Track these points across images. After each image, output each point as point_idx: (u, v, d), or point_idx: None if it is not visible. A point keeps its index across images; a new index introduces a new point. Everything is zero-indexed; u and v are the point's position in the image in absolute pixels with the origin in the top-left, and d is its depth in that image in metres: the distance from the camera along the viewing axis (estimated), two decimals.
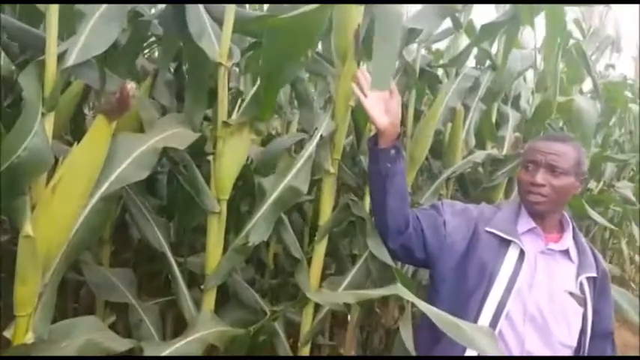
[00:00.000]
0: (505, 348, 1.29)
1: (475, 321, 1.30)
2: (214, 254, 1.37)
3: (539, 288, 1.32)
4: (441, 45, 2.74)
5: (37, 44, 1.18)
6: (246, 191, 1.60)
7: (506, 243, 1.35)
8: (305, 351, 1.64)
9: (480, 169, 2.46)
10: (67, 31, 1.13)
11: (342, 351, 1.92)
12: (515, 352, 1.30)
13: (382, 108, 1.36)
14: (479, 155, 2.22)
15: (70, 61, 1.00)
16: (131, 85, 0.88)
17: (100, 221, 1.04)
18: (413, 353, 1.37)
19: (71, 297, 2.27)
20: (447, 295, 1.38)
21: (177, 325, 1.72)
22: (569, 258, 1.36)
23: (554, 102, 2.69)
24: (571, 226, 1.41)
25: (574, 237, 1.40)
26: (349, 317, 1.97)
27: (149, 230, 1.41)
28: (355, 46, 1.40)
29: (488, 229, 1.38)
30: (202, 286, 1.37)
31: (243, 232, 1.38)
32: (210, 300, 1.38)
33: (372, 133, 1.44)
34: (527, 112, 2.88)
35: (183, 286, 1.40)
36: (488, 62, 2.46)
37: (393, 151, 1.39)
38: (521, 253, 1.34)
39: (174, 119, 1.36)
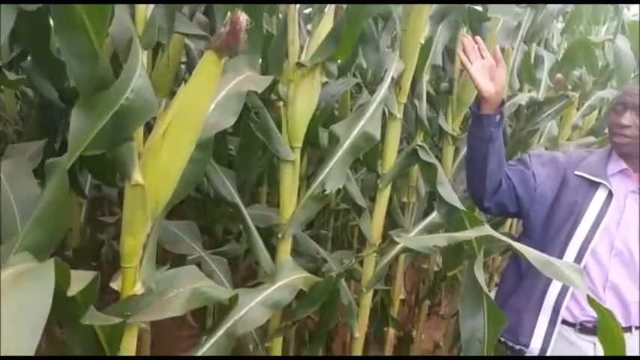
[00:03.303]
0: (589, 281, 1.35)
1: (561, 256, 1.34)
2: (289, 203, 1.35)
3: (628, 225, 1.36)
4: None
5: None
6: (307, 140, 1.54)
7: (595, 185, 1.38)
8: (368, 297, 1.66)
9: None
10: None
11: (392, 295, 1.95)
12: (599, 284, 1.37)
13: (488, 75, 1.34)
14: (522, 97, 2.19)
15: None
16: (244, 17, 0.81)
17: (197, 171, 0.99)
18: (485, 289, 1.40)
19: (91, 255, 2.25)
20: (538, 238, 1.42)
21: None
22: None
23: (588, 42, 2.64)
24: None
25: None
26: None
27: (219, 181, 1.37)
28: None
29: (577, 172, 1.41)
30: (279, 235, 1.35)
31: (317, 180, 1.35)
32: (286, 248, 1.37)
33: (474, 99, 1.43)
34: (558, 54, 2.82)
35: (258, 236, 1.38)
36: None
37: (497, 117, 1.37)
38: (610, 194, 1.36)
39: (242, 61, 1.29)
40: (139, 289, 0.93)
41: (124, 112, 0.81)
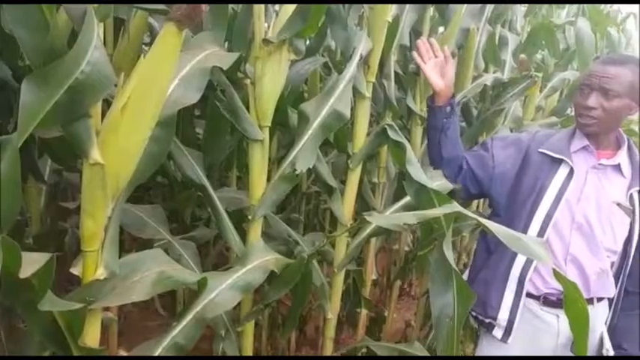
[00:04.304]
0: (551, 253, 1.38)
1: (525, 230, 1.39)
2: (259, 184, 1.32)
3: (588, 200, 1.41)
4: None
5: None
6: (276, 121, 1.51)
7: (558, 162, 1.43)
8: (340, 278, 1.66)
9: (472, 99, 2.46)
10: None
11: (364, 276, 1.96)
12: (560, 256, 1.42)
13: (439, 72, 1.54)
14: (488, 78, 2.21)
15: None
16: None
17: (159, 150, 0.95)
18: (453, 265, 1.42)
19: (53, 244, 2.17)
20: (505, 215, 1.48)
21: None
22: (621, 173, 1.43)
23: (550, 24, 2.70)
24: (626, 144, 1.46)
25: (629, 154, 1.46)
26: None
27: (185, 163, 1.32)
28: None
29: (540, 150, 1.46)
30: (249, 217, 1.32)
31: (287, 160, 1.32)
32: (256, 230, 1.35)
33: (430, 93, 1.62)
34: (521, 36, 2.87)
35: (227, 218, 1.35)
36: None
37: (448, 108, 1.55)
38: (571, 170, 1.41)
39: (206, 38, 1.24)
40: (101, 273, 0.89)
41: (80, 86, 0.76)
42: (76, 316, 0.84)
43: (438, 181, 1.51)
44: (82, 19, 0.82)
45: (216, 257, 2.50)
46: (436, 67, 1.55)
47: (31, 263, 0.58)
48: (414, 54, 1.58)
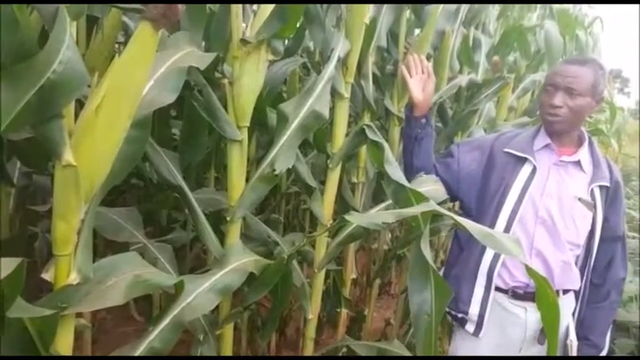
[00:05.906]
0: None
1: (492, 226, 1.45)
2: (237, 185, 1.30)
3: (550, 195, 1.47)
4: None
5: None
6: (255, 122, 1.50)
7: (522, 160, 1.49)
8: (320, 278, 1.66)
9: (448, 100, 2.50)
10: None
11: (344, 275, 1.96)
12: (526, 250, 1.46)
13: (421, 86, 1.64)
14: (462, 79, 2.25)
15: None
16: None
17: (134, 151, 0.93)
18: (431, 263, 1.45)
19: (22, 250, 2.11)
20: (475, 213, 1.53)
21: None
22: (582, 169, 1.50)
23: (521, 27, 2.76)
24: (587, 141, 1.52)
25: (590, 151, 1.52)
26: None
27: (161, 163, 1.30)
28: None
29: (505, 149, 1.52)
30: (228, 218, 1.30)
31: (266, 161, 1.31)
32: (235, 231, 1.33)
33: (408, 103, 1.72)
34: (494, 39, 2.92)
35: (204, 219, 1.33)
36: None
37: (423, 120, 1.63)
38: (535, 167, 1.47)
39: (182, 37, 1.22)
40: (74, 278, 0.86)
41: (52, 86, 0.74)
42: (48, 322, 0.81)
43: (427, 187, 1.52)
44: (53, 18, 0.79)
45: (193, 261, 2.47)
46: (420, 82, 1.66)
47: (1, 268, 0.56)
48: (402, 67, 1.69)
